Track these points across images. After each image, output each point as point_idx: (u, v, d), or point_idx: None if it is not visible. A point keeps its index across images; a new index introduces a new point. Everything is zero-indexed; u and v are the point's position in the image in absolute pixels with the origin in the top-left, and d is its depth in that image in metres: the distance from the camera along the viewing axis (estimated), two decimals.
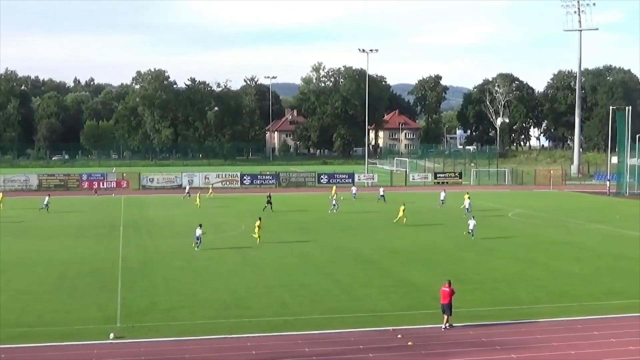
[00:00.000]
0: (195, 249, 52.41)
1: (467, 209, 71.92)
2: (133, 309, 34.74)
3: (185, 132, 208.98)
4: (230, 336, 30.38)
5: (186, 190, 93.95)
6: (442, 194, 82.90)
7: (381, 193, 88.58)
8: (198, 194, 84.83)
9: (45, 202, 77.39)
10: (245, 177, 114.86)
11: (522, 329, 31.80)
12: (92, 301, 36.37)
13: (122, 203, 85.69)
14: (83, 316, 33.56)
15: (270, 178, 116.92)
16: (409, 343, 29.32)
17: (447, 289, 31.95)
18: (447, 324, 31.71)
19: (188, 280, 41.85)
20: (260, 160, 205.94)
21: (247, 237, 58.94)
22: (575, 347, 28.98)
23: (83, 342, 29.60)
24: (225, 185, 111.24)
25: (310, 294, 38.43)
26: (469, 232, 59.02)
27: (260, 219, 57.89)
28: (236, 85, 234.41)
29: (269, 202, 79.20)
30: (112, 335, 30.16)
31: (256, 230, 55.53)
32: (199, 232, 53.50)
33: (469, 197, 74.82)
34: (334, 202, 78.81)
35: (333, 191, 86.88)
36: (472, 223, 59.31)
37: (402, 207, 66.71)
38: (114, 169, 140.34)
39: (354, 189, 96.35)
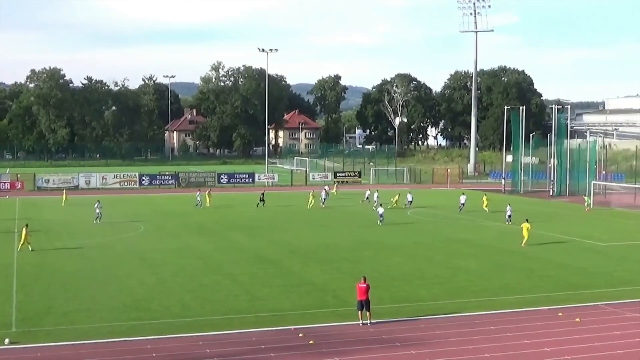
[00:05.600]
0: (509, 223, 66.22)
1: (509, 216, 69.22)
2: (29, 313, 33.90)
3: (82, 132, 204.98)
4: (129, 339, 29.95)
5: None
6: (463, 198, 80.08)
7: (409, 199, 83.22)
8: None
9: (262, 196, 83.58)
10: (143, 178, 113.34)
11: (421, 325, 32.24)
12: None
13: (16, 205, 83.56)
14: None
15: (170, 178, 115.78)
16: (311, 342, 29.40)
17: (364, 285, 32.22)
18: (369, 321, 32.05)
19: (85, 283, 41.07)
20: (159, 160, 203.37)
21: (145, 237, 58.33)
22: (473, 342, 29.53)
23: None
24: (124, 186, 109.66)
25: (211, 294, 38.17)
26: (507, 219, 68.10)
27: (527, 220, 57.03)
28: (134, 84, 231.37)
29: (262, 199, 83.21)
30: (7, 340, 29.35)
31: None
32: (509, 210, 67.83)
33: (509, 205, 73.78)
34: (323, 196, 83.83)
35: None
36: (509, 210, 68.99)
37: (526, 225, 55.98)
38: (8, 169, 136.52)
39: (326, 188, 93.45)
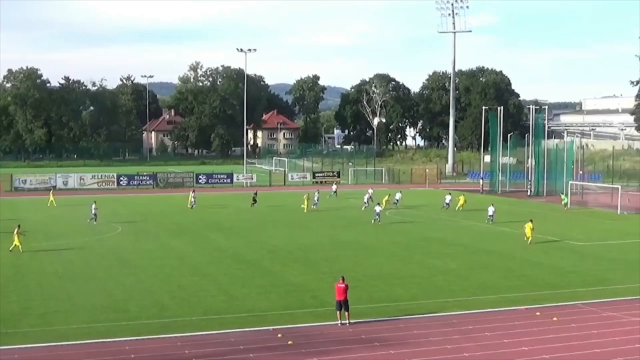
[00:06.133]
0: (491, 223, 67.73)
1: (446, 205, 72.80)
2: (6, 315, 33.62)
3: (60, 132, 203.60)
4: (107, 340, 29.80)
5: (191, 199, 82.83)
6: (448, 197, 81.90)
7: (397, 197, 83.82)
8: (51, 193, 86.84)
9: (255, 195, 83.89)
10: (121, 178, 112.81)
11: (400, 325, 32.29)
12: None
13: None
14: None
15: (148, 179, 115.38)
16: (290, 342, 29.38)
17: (342, 285, 32.27)
18: (347, 321, 32.09)
19: (63, 284, 40.83)
20: (137, 160, 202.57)
21: (123, 238, 58.12)
22: (452, 341, 29.60)
23: None
24: (102, 187, 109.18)
25: (189, 295, 38.07)
26: (489, 218, 69.23)
27: (531, 220, 57.84)
28: (112, 84, 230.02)
29: (255, 199, 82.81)
30: None
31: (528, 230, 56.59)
32: (491, 210, 69.07)
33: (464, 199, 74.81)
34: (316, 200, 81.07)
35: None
36: (491, 210, 69.75)
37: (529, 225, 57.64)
38: None
39: (334, 186, 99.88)
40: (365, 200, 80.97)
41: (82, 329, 31.43)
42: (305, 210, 78.28)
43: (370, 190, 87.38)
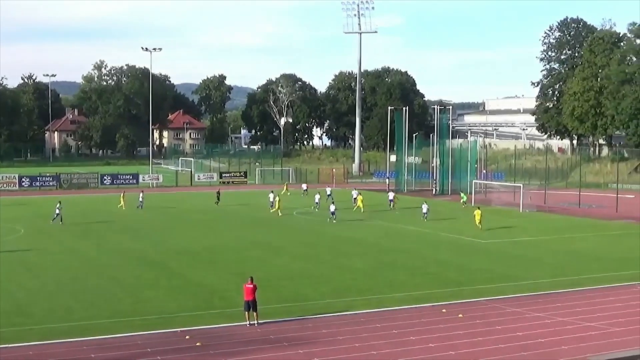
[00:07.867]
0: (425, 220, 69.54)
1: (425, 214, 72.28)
2: None
3: None
4: (10, 345, 29.09)
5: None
6: (391, 195, 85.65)
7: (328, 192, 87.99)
8: None
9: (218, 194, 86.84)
10: (23, 179, 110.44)
11: (308, 324, 32.40)
12: None
13: None
14: None
15: (51, 180, 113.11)
16: (198, 344, 29.21)
17: (251, 286, 32.21)
18: (256, 321, 32.07)
19: None
20: (39, 161, 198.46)
21: (26, 241, 56.83)
22: (360, 340, 29.83)
23: None
24: (2, 188, 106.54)
25: (95, 298, 37.45)
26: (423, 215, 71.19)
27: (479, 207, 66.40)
28: (13, 83, 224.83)
29: (218, 197, 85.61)
30: None
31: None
32: (425, 208, 71.23)
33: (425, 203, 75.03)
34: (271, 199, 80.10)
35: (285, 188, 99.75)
36: (425, 207, 71.89)
37: (477, 211, 65.35)
38: None
39: (304, 185, 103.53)
40: (317, 200, 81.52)
41: None
42: (279, 213, 75.55)
43: (328, 189, 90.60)
